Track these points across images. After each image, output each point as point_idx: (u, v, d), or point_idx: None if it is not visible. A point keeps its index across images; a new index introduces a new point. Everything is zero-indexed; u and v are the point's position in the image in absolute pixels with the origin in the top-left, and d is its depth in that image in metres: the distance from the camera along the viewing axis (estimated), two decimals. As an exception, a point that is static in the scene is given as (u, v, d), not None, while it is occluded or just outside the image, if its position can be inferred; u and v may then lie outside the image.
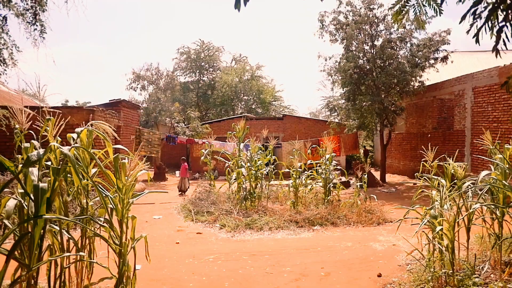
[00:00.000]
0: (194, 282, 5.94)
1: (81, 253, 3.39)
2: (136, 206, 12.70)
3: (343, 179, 16.14)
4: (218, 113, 34.73)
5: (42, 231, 3.15)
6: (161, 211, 11.92)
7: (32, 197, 2.84)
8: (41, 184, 2.84)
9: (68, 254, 3.14)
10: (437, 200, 5.21)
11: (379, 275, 6.10)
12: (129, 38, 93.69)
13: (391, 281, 5.84)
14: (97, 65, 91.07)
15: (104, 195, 3.86)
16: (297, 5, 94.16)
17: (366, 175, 12.19)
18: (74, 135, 4.27)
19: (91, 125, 4.14)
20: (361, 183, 11.66)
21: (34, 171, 3.02)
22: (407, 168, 20.80)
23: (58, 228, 3.49)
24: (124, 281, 3.92)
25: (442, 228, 4.60)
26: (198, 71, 36.32)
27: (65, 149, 3.36)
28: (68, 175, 4.08)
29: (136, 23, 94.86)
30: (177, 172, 19.43)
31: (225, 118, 27.72)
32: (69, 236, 3.51)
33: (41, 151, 2.98)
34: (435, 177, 5.90)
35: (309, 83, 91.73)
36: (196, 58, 35.77)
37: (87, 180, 4.08)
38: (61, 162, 3.85)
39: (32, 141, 3.19)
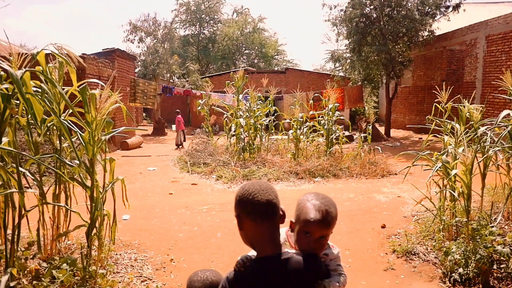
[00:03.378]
0: (184, 232, 5.56)
1: (30, 190, 2.92)
2: (131, 159, 12.31)
3: (347, 133, 15.63)
4: (219, 67, 33.61)
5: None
6: (157, 163, 11.50)
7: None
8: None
9: (13, 190, 2.66)
10: (450, 144, 4.67)
11: (383, 226, 5.71)
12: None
13: (396, 232, 5.44)
14: (96, 21, 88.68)
15: (70, 131, 3.35)
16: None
17: (371, 126, 11.62)
18: (46, 68, 3.71)
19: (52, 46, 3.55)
20: (365, 135, 11.13)
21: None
22: (412, 122, 20.16)
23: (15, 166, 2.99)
24: (98, 226, 3.48)
25: (456, 172, 4.10)
26: (198, 23, 34.81)
27: (16, 72, 2.81)
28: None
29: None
30: (174, 126, 18.92)
31: (225, 71, 26.79)
32: (29, 175, 3.02)
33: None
34: (448, 121, 5.32)
35: (313, 37, 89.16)
36: (196, 10, 34.17)
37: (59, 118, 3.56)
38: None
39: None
